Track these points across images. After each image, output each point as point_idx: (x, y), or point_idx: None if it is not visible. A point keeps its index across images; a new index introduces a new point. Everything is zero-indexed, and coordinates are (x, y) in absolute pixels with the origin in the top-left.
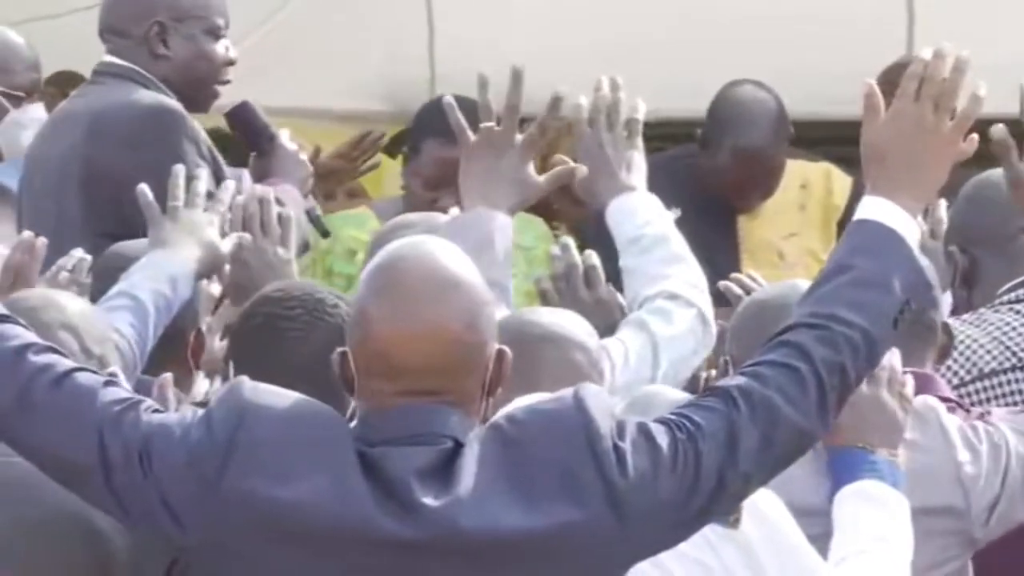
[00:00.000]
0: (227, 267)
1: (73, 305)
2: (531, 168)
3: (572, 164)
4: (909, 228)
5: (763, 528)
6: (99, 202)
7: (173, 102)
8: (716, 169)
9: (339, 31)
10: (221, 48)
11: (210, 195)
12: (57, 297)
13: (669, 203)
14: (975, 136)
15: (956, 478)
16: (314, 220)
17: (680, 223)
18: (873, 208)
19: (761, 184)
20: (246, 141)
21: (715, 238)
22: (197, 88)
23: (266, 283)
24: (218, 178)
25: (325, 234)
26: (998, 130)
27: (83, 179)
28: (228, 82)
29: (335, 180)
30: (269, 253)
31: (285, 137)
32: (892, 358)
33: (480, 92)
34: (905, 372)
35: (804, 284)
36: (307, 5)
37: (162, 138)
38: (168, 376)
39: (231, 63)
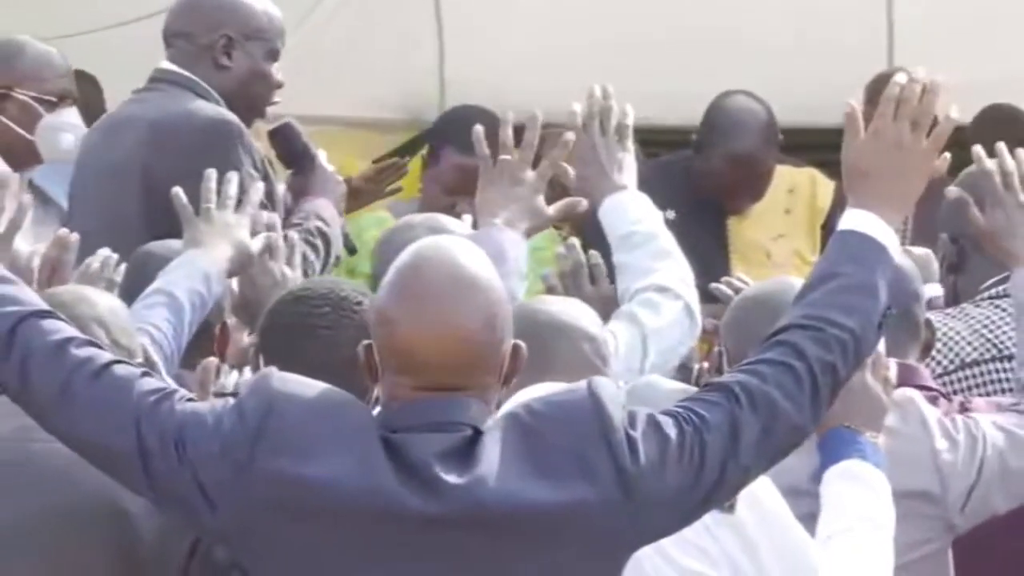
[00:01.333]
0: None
1: (103, 301)
2: (541, 199)
3: (576, 198)
4: (890, 238)
5: (757, 511)
6: (158, 207)
7: (232, 115)
8: (710, 173)
9: (356, 46)
10: (275, 71)
11: (239, 200)
12: (88, 293)
13: (664, 205)
14: (947, 154)
15: (933, 465)
16: (344, 237)
17: (674, 224)
18: (857, 220)
19: (752, 187)
20: (286, 158)
21: (707, 238)
22: (249, 104)
23: (271, 300)
24: (269, 188)
25: (352, 251)
26: (952, 191)
27: (143, 185)
28: (276, 103)
29: (362, 201)
30: (275, 272)
31: (323, 158)
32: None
33: (502, 129)
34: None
35: (793, 281)
36: (327, 23)
37: (221, 149)
38: (213, 360)
39: (280, 86)
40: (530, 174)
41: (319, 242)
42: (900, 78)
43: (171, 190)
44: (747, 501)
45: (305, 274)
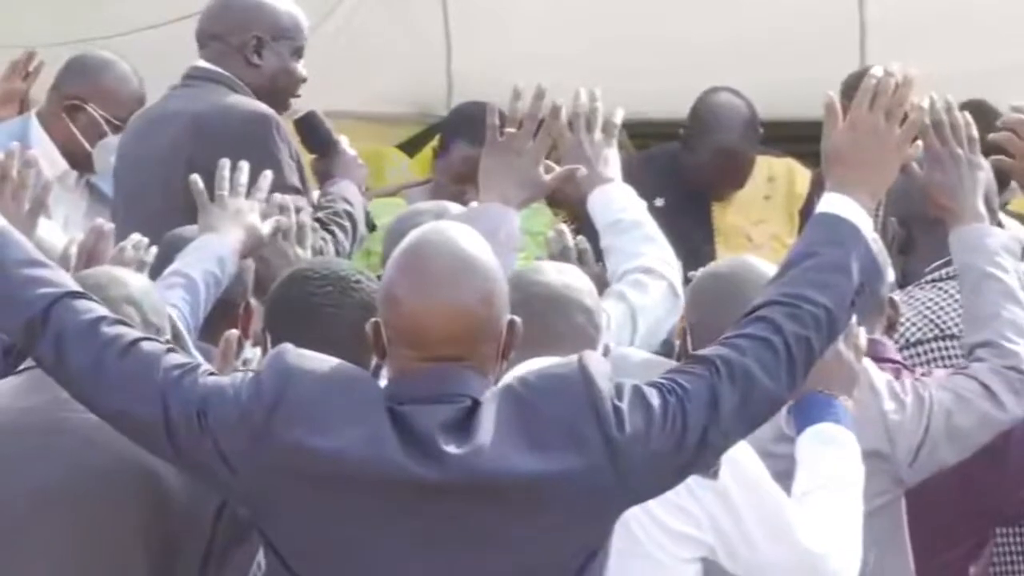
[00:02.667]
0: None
1: (135, 281)
2: (541, 169)
3: (572, 166)
4: (864, 221)
5: (737, 475)
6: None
7: (268, 108)
8: (696, 165)
9: (368, 45)
10: (300, 67)
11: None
12: (120, 274)
13: (654, 192)
14: (919, 142)
15: (883, 426)
16: (366, 215)
17: (663, 210)
18: (834, 203)
19: (735, 177)
20: (311, 144)
21: (692, 223)
22: (277, 98)
23: None
24: (301, 175)
25: (372, 228)
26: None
27: (187, 174)
28: (300, 96)
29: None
30: (289, 254)
31: (345, 143)
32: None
33: (511, 103)
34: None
35: (751, 259)
36: (343, 25)
37: (260, 139)
38: (235, 332)
39: (304, 81)
40: (530, 146)
41: (347, 223)
42: (876, 71)
43: (190, 177)
44: (730, 468)
45: (337, 253)
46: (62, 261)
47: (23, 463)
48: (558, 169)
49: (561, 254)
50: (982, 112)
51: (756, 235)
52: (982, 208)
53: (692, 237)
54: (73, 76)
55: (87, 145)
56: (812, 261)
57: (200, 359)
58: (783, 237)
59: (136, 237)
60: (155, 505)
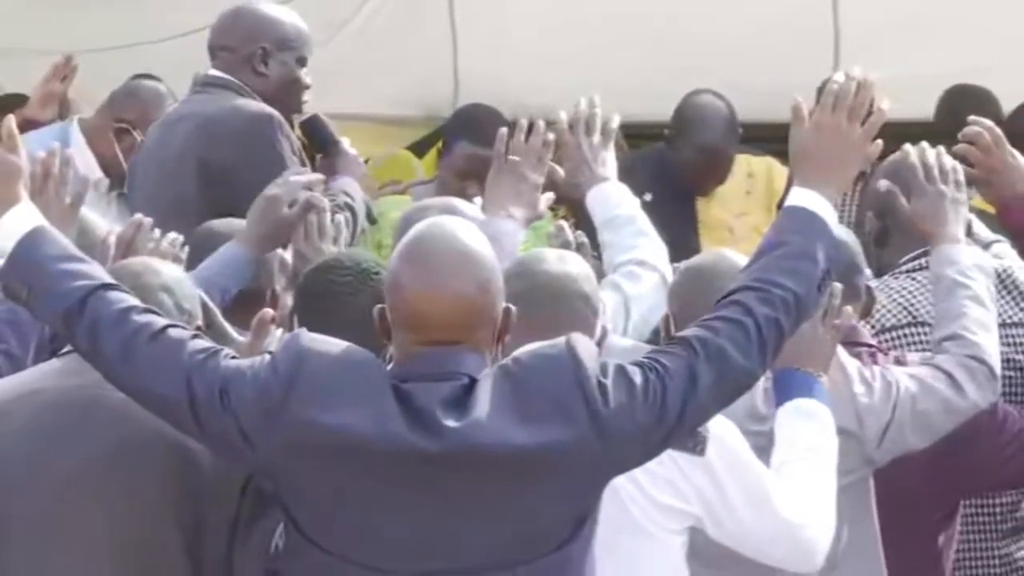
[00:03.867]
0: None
1: (168, 270)
2: (539, 194)
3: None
4: (829, 213)
5: (722, 452)
6: (213, 189)
7: (272, 109)
8: (680, 162)
9: (380, 52)
10: (304, 75)
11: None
12: (155, 264)
13: (643, 189)
14: (879, 141)
15: (852, 407)
16: (367, 209)
17: (650, 204)
18: (801, 197)
19: (716, 173)
20: (315, 145)
21: (678, 216)
22: (283, 103)
23: None
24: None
25: (373, 221)
26: (882, 184)
27: (199, 171)
28: (306, 102)
29: None
30: (322, 249)
31: (347, 143)
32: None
33: (516, 134)
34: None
35: (727, 254)
36: (355, 33)
37: (265, 138)
38: (269, 311)
39: (308, 87)
40: (532, 175)
41: (347, 214)
42: (838, 77)
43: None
44: (715, 445)
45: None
46: (102, 249)
47: (64, 438)
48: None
49: (561, 247)
50: (984, 99)
51: (737, 227)
52: (961, 235)
53: (677, 230)
54: (126, 101)
55: (125, 165)
56: (781, 250)
57: (233, 335)
58: (763, 229)
59: (173, 235)
60: (187, 479)
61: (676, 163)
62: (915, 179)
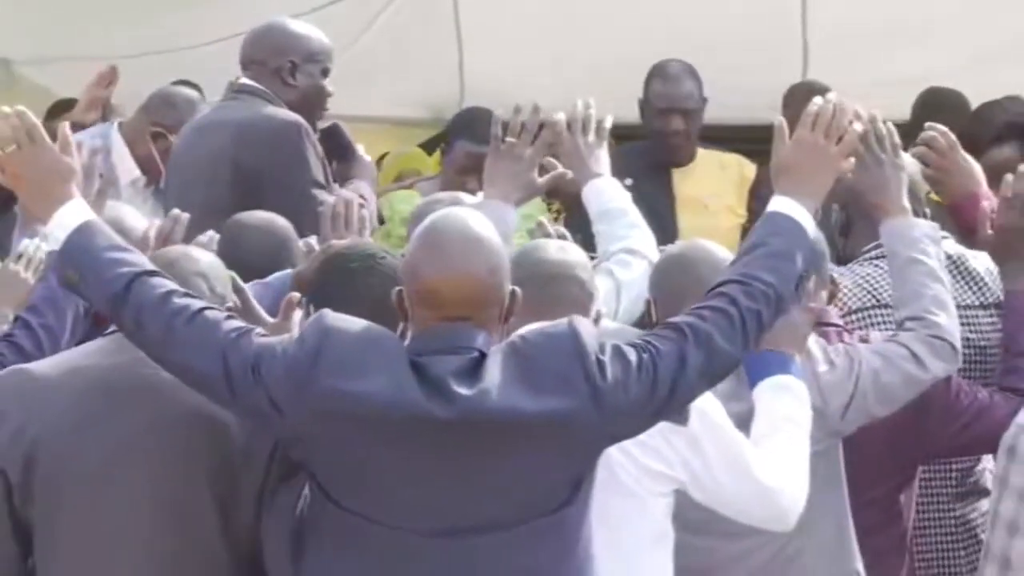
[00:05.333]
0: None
1: (204, 257)
2: (535, 173)
3: (560, 168)
4: (807, 219)
5: (705, 423)
6: (243, 188)
7: (299, 116)
8: (652, 129)
9: (391, 59)
10: (328, 84)
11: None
12: (192, 251)
13: (627, 173)
14: (852, 159)
15: (816, 384)
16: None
17: (633, 187)
18: (782, 204)
19: (683, 132)
20: (333, 151)
21: (657, 194)
22: (308, 111)
23: None
24: (326, 174)
25: (381, 222)
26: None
27: (232, 173)
28: (328, 110)
29: None
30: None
31: (361, 150)
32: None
33: (512, 117)
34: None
35: (704, 243)
36: (368, 43)
37: (292, 143)
38: (296, 295)
39: (331, 96)
40: (528, 153)
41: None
42: (818, 100)
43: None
44: (699, 416)
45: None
46: (142, 241)
47: (111, 413)
48: (552, 172)
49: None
50: (954, 103)
51: (712, 204)
52: (906, 202)
53: (657, 207)
54: (162, 107)
55: (162, 166)
56: (764, 249)
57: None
58: (735, 207)
59: (210, 233)
60: (220, 449)
61: (649, 133)
62: (856, 149)
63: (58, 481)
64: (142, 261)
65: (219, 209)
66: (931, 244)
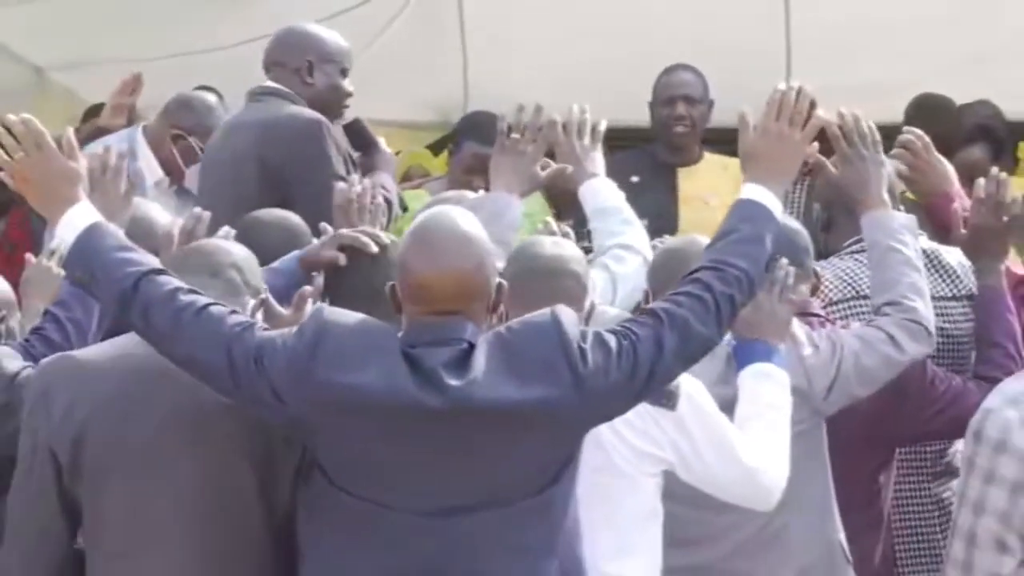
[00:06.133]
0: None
1: (237, 250)
2: (538, 167)
3: (562, 165)
4: (775, 204)
5: (692, 407)
6: (270, 187)
7: (321, 116)
8: (658, 123)
9: (399, 65)
10: (346, 84)
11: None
12: (226, 244)
13: (634, 171)
14: (816, 144)
15: (801, 367)
16: (400, 199)
17: (638, 184)
18: (750, 191)
19: (687, 119)
20: (356, 144)
21: (661, 192)
22: (328, 109)
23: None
24: (347, 168)
25: (405, 209)
26: (813, 158)
27: (258, 171)
28: (347, 107)
29: None
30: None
31: (383, 144)
32: (788, 277)
33: (516, 115)
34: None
35: (698, 239)
36: (379, 50)
37: (316, 141)
38: (309, 288)
39: (350, 95)
40: (531, 148)
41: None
42: (781, 86)
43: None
44: (686, 401)
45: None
46: (166, 237)
47: (149, 397)
48: (552, 166)
49: None
50: (940, 108)
51: (712, 202)
52: (886, 197)
53: (660, 203)
54: (182, 110)
55: (183, 166)
56: (735, 235)
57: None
58: None
59: (227, 229)
60: (259, 434)
61: (656, 128)
62: (839, 148)
63: (105, 462)
64: (149, 260)
65: (247, 207)
66: (909, 235)
